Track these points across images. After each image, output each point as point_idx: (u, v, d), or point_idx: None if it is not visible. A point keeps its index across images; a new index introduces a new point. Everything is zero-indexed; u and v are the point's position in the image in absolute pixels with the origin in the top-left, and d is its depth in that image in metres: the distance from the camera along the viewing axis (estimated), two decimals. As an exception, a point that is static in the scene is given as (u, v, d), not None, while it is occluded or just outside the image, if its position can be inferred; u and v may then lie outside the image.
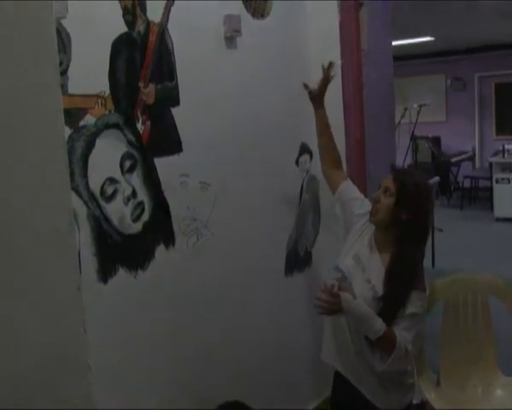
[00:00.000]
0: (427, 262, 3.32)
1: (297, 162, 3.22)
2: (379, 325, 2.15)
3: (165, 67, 2.41)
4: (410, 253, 2.27)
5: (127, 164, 2.26)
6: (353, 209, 2.54)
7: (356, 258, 2.38)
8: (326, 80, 2.66)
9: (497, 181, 9.35)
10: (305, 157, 3.29)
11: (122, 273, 2.24)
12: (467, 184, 10.86)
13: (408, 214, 2.24)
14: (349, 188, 2.63)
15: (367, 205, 2.49)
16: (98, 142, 2.13)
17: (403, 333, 2.17)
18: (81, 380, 1.27)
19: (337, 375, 2.52)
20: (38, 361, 1.17)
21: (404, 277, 2.24)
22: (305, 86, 2.67)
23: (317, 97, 2.68)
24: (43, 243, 1.19)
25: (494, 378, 2.91)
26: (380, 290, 2.25)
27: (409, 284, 2.23)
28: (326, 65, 2.64)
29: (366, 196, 2.71)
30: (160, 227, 2.40)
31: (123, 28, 2.24)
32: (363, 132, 3.25)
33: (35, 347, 1.17)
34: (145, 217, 2.34)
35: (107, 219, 2.18)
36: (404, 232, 2.26)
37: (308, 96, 2.69)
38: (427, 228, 2.36)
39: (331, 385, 2.60)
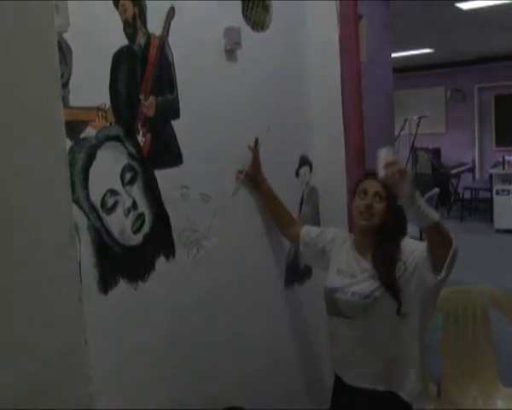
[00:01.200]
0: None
1: (297, 174, 3.24)
2: (431, 210, 2.11)
3: (165, 80, 2.43)
4: (391, 252, 2.35)
5: (128, 176, 2.27)
6: (323, 240, 2.67)
7: (339, 272, 2.47)
8: (256, 158, 2.77)
9: (497, 193, 9.37)
10: (305, 169, 3.30)
11: (123, 285, 2.24)
12: (467, 195, 10.89)
13: (395, 215, 2.35)
14: (308, 229, 2.79)
15: (328, 231, 2.70)
16: (99, 154, 2.14)
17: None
18: (82, 391, 1.28)
19: (336, 388, 2.53)
20: (39, 372, 1.18)
21: (387, 254, 2.34)
22: (239, 173, 2.75)
23: (255, 176, 2.77)
24: (45, 254, 1.19)
25: (494, 390, 2.91)
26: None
27: (393, 256, 2.33)
28: (252, 144, 2.75)
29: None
30: (160, 239, 2.41)
31: (123, 41, 2.26)
32: (362, 144, 3.26)
33: (36, 357, 1.17)
34: (145, 229, 2.34)
35: (107, 231, 2.19)
36: (387, 234, 2.36)
37: (245, 178, 2.74)
38: (404, 228, 2.48)
39: (330, 398, 2.60)
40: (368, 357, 2.36)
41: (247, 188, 2.85)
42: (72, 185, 2.00)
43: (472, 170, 11.88)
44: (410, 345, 2.34)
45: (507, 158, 9.85)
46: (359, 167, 3.25)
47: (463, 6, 6.12)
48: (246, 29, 2.84)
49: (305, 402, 3.28)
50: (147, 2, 2.32)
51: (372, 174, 2.40)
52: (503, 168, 9.82)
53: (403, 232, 2.44)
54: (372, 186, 2.40)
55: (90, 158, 2.12)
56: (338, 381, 2.54)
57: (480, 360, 2.94)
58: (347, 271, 2.41)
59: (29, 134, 1.17)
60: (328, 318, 2.53)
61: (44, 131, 1.21)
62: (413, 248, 2.31)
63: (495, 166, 10.37)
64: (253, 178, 2.76)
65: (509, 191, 9.20)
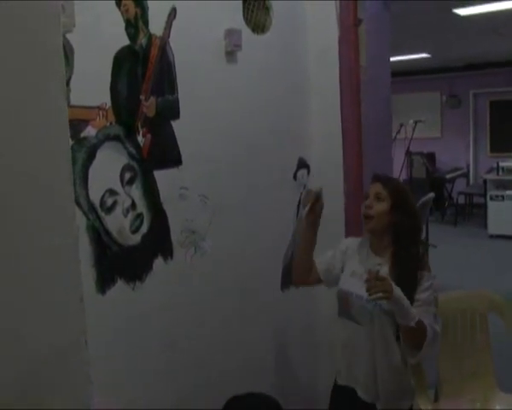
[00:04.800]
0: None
1: (295, 177, 3.24)
2: (413, 310, 2.18)
3: (166, 81, 2.43)
4: (410, 249, 2.34)
5: (127, 176, 2.27)
6: (339, 256, 2.54)
7: (353, 274, 2.42)
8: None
9: (491, 198, 9.40)
10: (303, 172, 3.31)
11: (120, 285, 2.24)
12: (461, 200, 10.92)
13: (402, 215, 2.34)
14: (322, 257, 2.59)
15: (341, 243, 2.61)
16: (99, 153, 2.14)
17: (425, 316, 2.21)
18: (82, 392, 1.27)
19: (335, 394, 2.52)
20: (40, 372, 1.17)
21: (409, 264, 2.31)
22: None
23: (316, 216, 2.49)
24: (47, 254, 1.19)
25: (492, 395, 2.92)
26: None
27: (415, 268, 2.30)
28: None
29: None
30: (158, 239, 2.41)
31: (125, 41, 2.26)
32: (360, 148, 3.26)
33: (37, 357, 1.17)
34: (144, 229, 2.34)
35: (106, 231, 2.19)
36: (401, 233, 2.35)
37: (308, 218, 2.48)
38: (420, 223, 2.50)
39: (327, 405, 2.60)
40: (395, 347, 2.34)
41: (245, 190, 2.85)
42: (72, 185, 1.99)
43: (466, 175, 11.91)
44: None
45: (501, 164, 9.89)
46: (357, 171, 3.26)
47: (460, 12, 6.14)
48: (246, 31, 2.84)
49: (300, 403, 3.28)
50: (149, 2, 2.32)
51: (375, 178, 2.45)
52: (498, 174, 9.86)
53: (418, 230, 2.44)
54: (373, 188, 2.41)
55: (90, 157, 2.12)
56: (339, 387, 2.51)
57: (478, 365, 2.95)
58: (361, 271, 2.37)
59: (33, 134, 1.17)
60: (339, 320, 2.48)
61: (49, 131, 1.21)
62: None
63: (489, 171, 10.41)
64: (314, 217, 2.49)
65: (503, 197, 9.23)
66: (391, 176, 2.64)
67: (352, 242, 2.58)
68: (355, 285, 2.36)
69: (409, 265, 2.31)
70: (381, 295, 2.10)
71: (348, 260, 2.50)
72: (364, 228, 2.45)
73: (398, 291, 2.13)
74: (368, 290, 2.12)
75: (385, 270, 2.29)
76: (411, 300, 2.21)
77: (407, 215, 2.35)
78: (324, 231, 2.55)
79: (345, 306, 2.40)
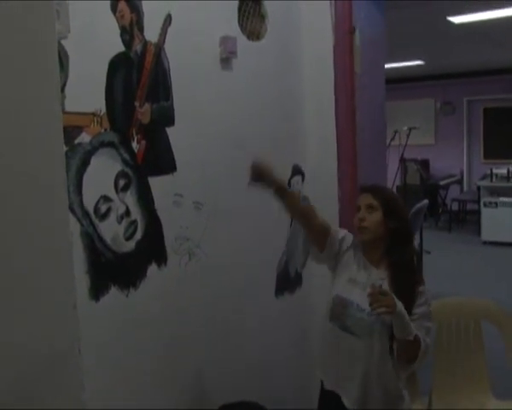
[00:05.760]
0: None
1: (289, 183, 3.24)
2: (412, 325, 2.19)
3: (160, 87, 2.43)
4: (406, 256, 2.36)
5: (121, 182, 2.26)
6: (339, 239, 2.50)
7: (351, 281, 2.39)
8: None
9: (484, 205, 9.43)
10: (297, 178, 3.31)
11: (114, 292, 2.23)
12: (455, 207, 10.95)
13: (396, 222, 2.35)
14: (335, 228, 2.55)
15: (339, 231, 2.53)
16: (93, 160, 2.14)
17: (419, 330, 2.22)
18: (75, 399, 1.27)
19: (322, 401, 2.52)
20: (33, 379, 1.17)
21: (408, 278, 2.32)
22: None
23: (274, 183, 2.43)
24: (41, 261, 1.19)
25: (486, 402, 2.92)
26: None
27: (413, 283, 2.31)
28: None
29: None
30: (152, 246, 2.40)
31: (120, 47, 2.26)
32: (355, 155, 3.27)
33: (30, 364, 1.16)
34: (138, 236, 2.34)
35: (100, 237, 2.18)
36: (396, 240, 2.35)
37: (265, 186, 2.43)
38: (411, 229, 2.51)
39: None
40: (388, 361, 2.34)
41: (241, 196, 2.85)
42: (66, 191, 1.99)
43: (460, 182, 11.95)
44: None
45: (495, 170, 9.93)
46: (351, 178, 3.26)
47: (454, 20, 6.17)
48: (241, 38, 2.85)
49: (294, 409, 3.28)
50: (144, 9, 2.32)
51: (364, 189, 2.45)
52: (491, 181, 9.89)
53: (412, 235, 2.46)
54: (363, 200, 2.40)
55: (85, 164, 2.11)
56: (325, 392, 2.51)
57: (472, 371, 2.95)
58: (359, 280, 2.37)
59: (27, 139, 1.16)
60: (329, 324, 2.43)
61: (43, 137, 1.20)
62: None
63: (483, 178, 10.44)
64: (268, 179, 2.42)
65: (496, 204, 9.26)
66: (378, 184, 2.63)
67: (348, 236, 2.51)
68: (355, 294, 2.34)
69: (407, 278, 2.32)
70: (384, 309, 2.11)
71: (344, 256, 2.47)
72: (359, 240, 2.43)
73: (400, 306, 2.14)
74: (371, 305, 2.12)
75: (386, 285, 2.29)
76: (409, 313, 2.21)
77: (400, 222, 2.36)
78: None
79: (340, 313, 2.38)
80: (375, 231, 2.35)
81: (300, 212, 2.53)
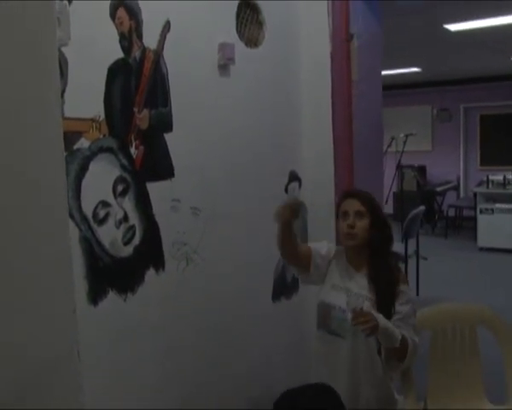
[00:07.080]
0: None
1: (286, 190, 3.26)
2: (397, 331, 2.22)
3: (159, 93, 2.45)
4: (387, 257, 2.44)
5: (120, 188, 2.28)
6: (324, 257, 2.55)
7: (334, 286, 2.46)
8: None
9: (481, 211, 9.43)
10: (294, 185, 3.32)
11: (112, 296, 2.24)
12: (451, 213, 10.96)
13: (381, 228, 2.43)
14: (317, 246, 2.59)
15: (321, 246, 2.58)
16: (92, 165, 2.15)
17: (406, 329, 2.27)
18: (74, 402, 1.28)
19: None
20: (32, 383, 1.18)
21: (388, 278, 2.38)
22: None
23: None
24: (41, 266, 1.20)
25: (481, 406, 2.92)
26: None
27: (394, 282, 2.37)
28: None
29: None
30: (150, 251, 2.42)
31: (119, 54, 2.28)
32: (352, 161, 3.29)
33: (29, 368, 1.17)
34: (136, 241, 2.35)
35: (98, 242, 2.19)
36: (379, 245, 2.42)
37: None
38: (391, 232, 2.53)
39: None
40: (354, 379, 2.39)
41: (238, 202, 2.87)
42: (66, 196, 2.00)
43: (457, 188, 11.96)
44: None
45: (491, 177, 9.94)
46: (348, 184, 3.28)
47: (451, 27, 6.20)
48: (239, 45, 2.87)
49: None
50: (143, 15, 2.34)
51: (350, 195, 2.49)
52: (488, 187, 9.89)
53: (392, 240, 2.49)
54: (352, 206, 2.43)
55: (83, 169, 2.13)
56: None
57: (467, 376, 2.96)
58: (342, 285, 2.41)
59: (28, 144, 1.18)
60: (318, 333, 2.52)
61: (43, 142, 1.22)
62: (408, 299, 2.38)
63: (479, 184, 10.44)
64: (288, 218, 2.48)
65: (492, 210, 9.27)
66: (361, 190, 2.65)
67: (330, 247, 2.58)
68: (337, 298, 2.41)
69: (388, 277, 2.38)
70: (368, 331, 2.14)
71: (330, 267, 2.53)
72: (346, 245, 2.47)
73: (382, 320, 2.17)
74: (353, 321, 2.16)
75: (367, 304, 2.33)
76: (392, 312, 2.29)
77: (384, 228, 2.44)
78: (314, 239, 2.56)
79: (325, 318, 2.45)
80: (363, 237, 2.40)
81: (289, 248, 2.52)
